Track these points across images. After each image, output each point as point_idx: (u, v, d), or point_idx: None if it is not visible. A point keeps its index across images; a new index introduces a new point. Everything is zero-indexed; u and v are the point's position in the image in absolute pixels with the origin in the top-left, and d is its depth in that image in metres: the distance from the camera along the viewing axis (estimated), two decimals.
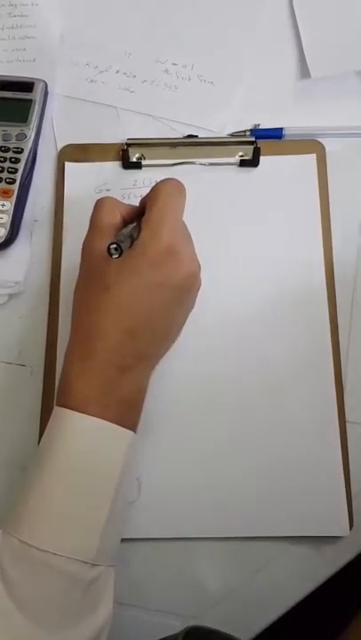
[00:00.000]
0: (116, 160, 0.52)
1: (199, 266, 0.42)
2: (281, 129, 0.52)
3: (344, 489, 0.44)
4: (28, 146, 0.51)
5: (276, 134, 0.52)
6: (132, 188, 0.51)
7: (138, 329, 0.39)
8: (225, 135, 0.53)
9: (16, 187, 0.50)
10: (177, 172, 0.50)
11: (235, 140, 0.52)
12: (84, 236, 0.42)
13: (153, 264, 0.39)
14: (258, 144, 0.51)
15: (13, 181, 0.50)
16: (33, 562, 0.35)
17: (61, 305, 0.48)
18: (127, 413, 0.39)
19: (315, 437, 0.45)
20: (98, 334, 0.39)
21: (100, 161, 0.52)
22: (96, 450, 0.37)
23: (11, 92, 0.52)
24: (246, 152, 0.51)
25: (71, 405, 0.37)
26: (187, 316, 0.44)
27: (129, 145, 0.51)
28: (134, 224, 0.41)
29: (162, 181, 0.42)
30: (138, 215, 0.42)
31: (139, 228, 0.40)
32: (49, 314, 0.48)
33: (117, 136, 0.53)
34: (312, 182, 0.50)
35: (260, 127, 0.53)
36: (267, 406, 0.45)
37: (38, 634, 0.34)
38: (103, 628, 0.36)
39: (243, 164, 0.51)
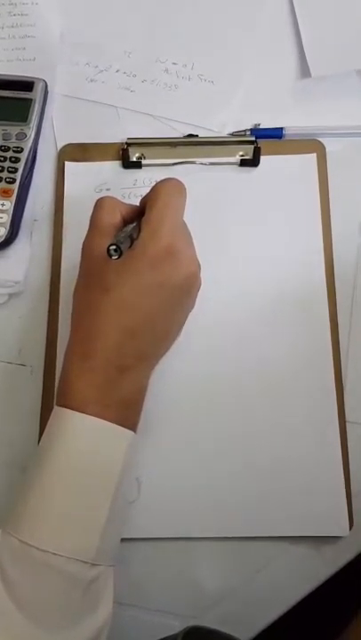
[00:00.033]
0: (116, 159, 0.52)
1: (199, 266, 0.42)
2: (281, 128, 0.52)
3: (344, 489, 0.44)
4: (27, 145, 0.51)
5: (276, 134, 0.52)
6: (132, 187, 0.51)
7: (138, 329, 0.39)
8: (225, 135, 0.53)
9: (16, 186, 0.50)
10: (177, 172, 0.50)
11: (235, 140, 0.52)
12: (84, 235, 0.42)
13: (153, 264, 0.39)
14: (258, 144, 0.51)
15: (13, 181, 0.50)
16: (33, 562, 0.35)
17: (61, 304, 0.48)
18: (127, 413, 0.39)
19: (315, 437, 0.45)
20: (98, 334, 0.39)
21: (100, 160, 0.52)
22: (96, 450, 0.37)
23: (11, 92, 0.52)
24: (247, 152, 0.51)
25: (71, 405, 0.37)
26: (187, 316, 0.44)
27: (129, 144, 0.51)
28: (134, 224, 0.40)
29: (162, 181, 0.42)
30: (138, 215, 0.42)
31: (139, 228, 0.40)
32: (49, 313, 0.48)
33: (117, 135, 0.52)
34: (312, 182, 0.50)
35: (261, 127, 0.53)
36: (267, 406, 0.45)
37: (38, 634, 0.34)
38: (103, 627, 0.36)
39: (243, 163, 0.51)
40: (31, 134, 0.51)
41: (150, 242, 0.39)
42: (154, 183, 0.42)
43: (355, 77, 0.54)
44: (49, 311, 0.48)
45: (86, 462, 0.37)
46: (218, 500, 0.44)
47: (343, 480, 0.44)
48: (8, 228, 0.49)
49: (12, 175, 0.50)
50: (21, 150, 0.50)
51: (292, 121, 0.52)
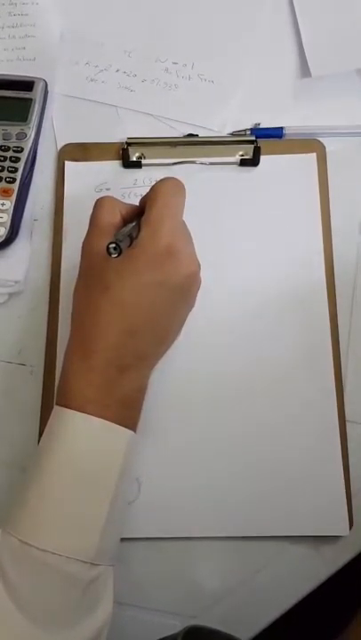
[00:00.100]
0: (117, 159, 0.52)
1: (199, 265, 0.42)
2: (281, 128, 0.52)
3: (344, 489, 0.44)
4: (28, 145, 0.51)
5: (276, 133, 0.52)
6: (132, 187, 0.51)
7: (138, 328, 0.39)
8: (225, 134, 0.53)
9: (16, 186, 0.50)
10: (177, 172, 0.50)
11: (235, 140, 0.52)
12: (84, 235, 0.42)
13: (153, 263, 0.39)
14: (258, 143, 0.51)
15: (13, 180, 0.50)
16: (33, 561, 0.35)
17: (61, 304, 0.48)
18: (127, 413, 0.39)
19: (315, 437, 0.45)
20: (98, 334, 0.39)
21: (100, 160, 0.52)
22: (96, 449, 0.37)
23: (11, 91, 0.52)
24: (247, 151, 0.51)
25: (71, 405, 0.37)
26: (187, 316, 0.44)
27: (129, 144, 0.51)
28: (134, 223, 0.40)
29: (161, 181, 0.42)
30: (138, 214, 0.42)
31: (138, 228, 0.40)
32: (49, 313, 0.48)
33: (117, 135, 0.52)
34: (312, 181, 0.50)
35: (261, 126, 0.53)
36: (267, 406, 0.45)
37: (38, 634, 0.34)
38: (103, 627, 0.36)
39: (243, 163, 0.51)
40: (31, 134, 0.51)
41: (150, 241, 0.39)
42: (154, 183, 0.42)
43: (355, 77, 0.54)
44: (49, 311, 0.48)
45: (86, 462, 0.37)
46: (218, 499, 0.44)
47: (343, 480, 0.44)
48: (8, 227, 0.49)
49: (12, 175, 0.50)
50: (21, 150, 0.50)
51: (292, 120, 0.52)
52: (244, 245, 0.49)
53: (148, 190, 0.42)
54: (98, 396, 0.38)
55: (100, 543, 0.36)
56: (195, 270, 0.42)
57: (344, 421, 0.45)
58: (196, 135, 0.52)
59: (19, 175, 0.50)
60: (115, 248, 0.36)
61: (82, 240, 0.42)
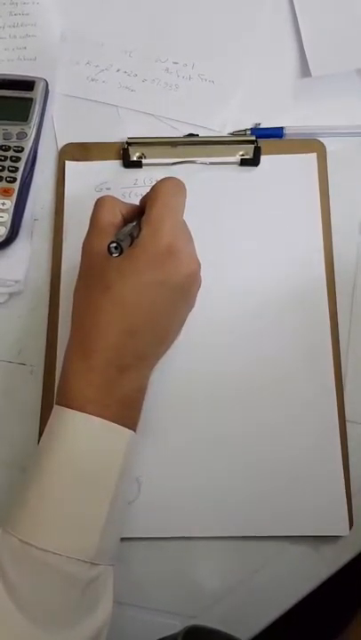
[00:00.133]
0: (117, 159, 0.52)
1: (199, 265, 0.42)
2: (281, 128, 0.52)
3: (344, 488, 0.44)
4: (28, 145, 0.51)
5: (276, 133, 0.52)
6: (132, 186, 0.51)
7: (138, 328, 0.39)
8: (225, 134, 0.53)
9: (16, 185, 0.50)
10: (177, 171, 0.50)
11: (235, 139, 0.52)
12: (85, 234, 0.42)
13: (153, 263, 0.39)
14: (258, 143, 0.51)
15: (14, 180, 0.50)
16: (33, 561, 0.35)
17: (61, 304, 0.48)
18: (127, 413, 0.39)
19: (315, 437, 0.45)
20: (98, 333, 0.39)
21: (101, 160, 0.52)
22: (96, 449, 0.37)
23: (11, 91, 0.52)
24: (247, 151, 0.51)
25: (71, 405, 0.37)
26: (187, 316, 0.44)
27: (129, 144, 0.51)
28: (134, 223, 0.40)
29: (162, 180, 0.42)
30: (138, 214, 0.42)
31: (139, 227, 0.40)
32: (49, 313, 0.48)
33: (118, 135, 0.52)
34: (313, 181, 0.50)
35: (261, 126, 0.53)
36: (267, 406, 0.45)
37: (38, 633, 0.34)
38: (103, 627, 0.36)
39: (243, 163, 0.51)
40: (32, 134, 0.51)
41: (151, 241, 0.39)
42: (154, 182, 0.42)
43: (355, 77, 0.54)
44: (49, 310, 0.48)
45: (86, 461, 0.37)
46: (218, 499, 0.44)
47: (343, 480, 0.44)
48: (8, 227, 0.49)
49: (12, 174, 0.50)
50: (22, 150, 0.50)
51: (292, 120, 0.52)
52: (245, 245, 0.49)
53: (148, 190, 0.42)
54: (98, 395, 0.38)
55: (99, 543, 0.36)
56: (195, 270, 0.42)
57: (344, 421, 0.45)
58: (197, 135, 0.52)
59: (19, 175, 0.50)
60: (116, 247, 0.36)
61: (82, 240, 0.42)
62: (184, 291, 0.42)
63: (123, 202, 0.43)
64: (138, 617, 0.43)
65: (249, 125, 0.53)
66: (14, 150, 0.50)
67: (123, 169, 0.52)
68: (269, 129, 0.52)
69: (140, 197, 0.43)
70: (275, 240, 0.49)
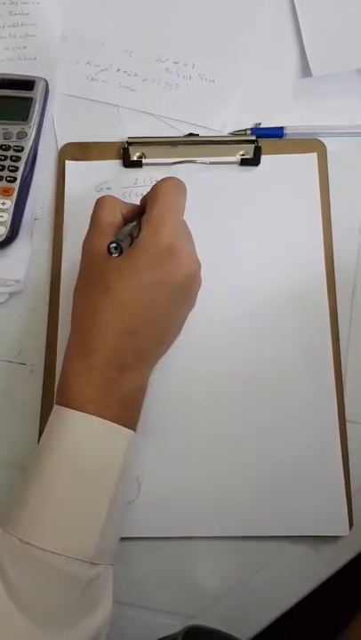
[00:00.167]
0: (117, 159, 0.52)
1: (200, 265, 0.42)
2: (282, 128, 0.52)
3: (344, 489, 0.44)
4: (28, 144, 0.51)
5: (276, 133, 0.52)
6: (132, 186, 0.51)
7: (138, 328, 0.39)
8: (226, 134, 0.53)
9: (16, 185, 0.50)
10: (178, 171, 0.50)
11: (235, 139, 0.51)
12: (85, 234, 0.42)
13: (153, 263, 0.39)
14: (259, 143, 0.51)
15: (14, 180, 0.50)
16: (32, 561, 0.35)
17: (62, 303, 0.48)
18: (127, 412, 0.39)
19: (315, 437, 0.45)
20: (98, 333, 0.38)
21: (101, 159, 0.52)
22: (96, 449, 0.37)
23: (11, 91, 0.52)
24: (247, 151, 0.51)
25: (71, 405, 0.37)
26: (187, 315, 0.44)
27: (130, 143, 0.51)
28: (134, 223, 0.40)
29: (162, 180, 0.42)
30: (138, 214, 0.42)
31: (139, 227, 0.40)
32: (49, 312, 0.48)
33: (118, 134, 0.52)
34: (313, 181, 0.50)
35: (261, 126, 0.53)
36: (267, 406, 0.45)
37: (38, 633, 0.34)
38: (103, 627, 0.36)
39: (243, 162, 0.51)
40: (32, 133, 0.51)
41: (151, 241, 0.39)
42: (154, 182, 0.42)
43: (355, 77, 0.54)
44: (49, 310, 0.48)
45: (86, 461, 0.37)
46: (218, 499, 0.44)
47: (343, 480, 0.44)
48: (8, 226, 0.49)
49: (12, 174, 0.50)
50: (22, 149, 0.50)
51: (292, 120, 0.52)
52: (245, 245, 0.49)
53: (148, 190, 0.42)
54: (98, 395, 0.38)
55: (99, 543, 0.36)
56: (195, 270, 0.42)
57: (344, 421, 0.45)
58: (197, 135, 0.52)
59: (19, 174, 0.50)
60: (115, 247, 0.36)
61: (82, 239, 0.42)
62: (184, 291, 0.41)
63: (123, 201, 0.43)
64: (138, 617, 0.43)
65: (249, 125, 0.53)
66: (14, 150, 0.50)
67: (123, 169, 0.52)
68: (270, 129, 0.52)
69: (141, 197, 0.43)
70: (275, 240, 0.49)
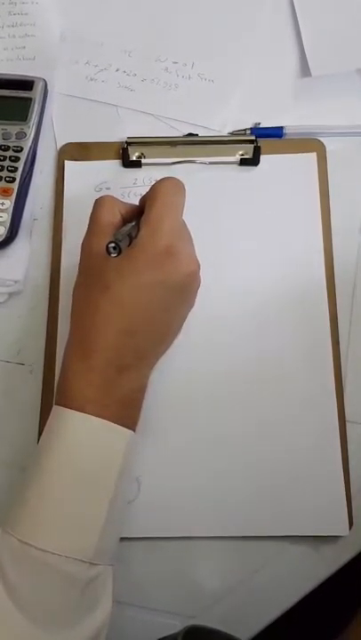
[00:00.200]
0: (116, 159, 0.52)
1: (199, 265, 0.42)
2: (281, 128, 0.52)
3: (344, 488, 0.44)
4: (27, 144, 0.51)
5: (276, 133, 0.52)
6: (132, 186, 0.51)
7: (137, 328, 0.39)
8: (225, 134, 0.53)
9: (16, 185, 0.50)
10: (177, 171, 0.50)
11: (235, 139, 0.51)
12: (84, 234, 0.42)
13: (152, 263, 0.39)
14: (258, 143, 0.50)
15: (13, 180, 0.50)
16: (32, 561, 0.35)
17: (61, 303, 0.48)
18: (126, 413, 0.39)
19: (315, 437, 0.45)
20: (97, 333, 0.38)
21: (100, 159, 0.52)
22: (95, 449, 0.37)
23: (10, 91, 0.52)
24: (246, 151, 0.51)
25: (70, 405, 0.37)
26: (186, 315, 0.44)
27: (129, 143, 0.51)
28: (133, 223, 0.40)
29: (161, 180, 0.42)
30: (137, 214, 0.42)
31: (138, 227, 0.40)
32: (48, 312, 0.48)
33: (117, 134, 0.52)
34: (312, 181, 0.50)
35: (261, 126, 0.52)
36: (266, 406, 0.45)
37: (37, 633, 0.34)
38: (102, 627, 0.36)
39: (243, 162, 0.51)
40: (31, 133, 0.51)
41: (150, 241, 0.39)
42: (153, 182, 0.42)
43: (355, 76, 0.54)
44: (48, 310, 0.48)
45: (85, 462, 0.37)
46: (218, 499, 0.44)
47: (343, 480, 0.44)
48: (8, 227, 0.49)
49: (11, 174, 0.50)
50: (21, 149, 0.50)
51: (292, 120, 0.52)
52: (244, 245, 0.49)
53: (147, 190, 0.42)
54: (97, 395, 0.38)
55: (99, 543, 0.36)
56: (194, 270, 0.42)
57: (344, 421, 0.45)
58: (196, 135, 0.52)
59: (18, 174, 0.50)
60: (114, 247, 0.36)
61: (81, 239, 0.42)
62: (183, 291, 0.41)
63: (122, 201, 0.43)
64: (138, 617, 0.43)
65: (249, 125, 0.53)
66: (13, 150, 0.50)
67: (122, 169, 0.52)
68: (269, 128, 0.52)
69: (140, 197, 0.43)
70: (274, 240, 0.49)
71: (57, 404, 0.38)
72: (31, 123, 0.51)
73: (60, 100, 0.54)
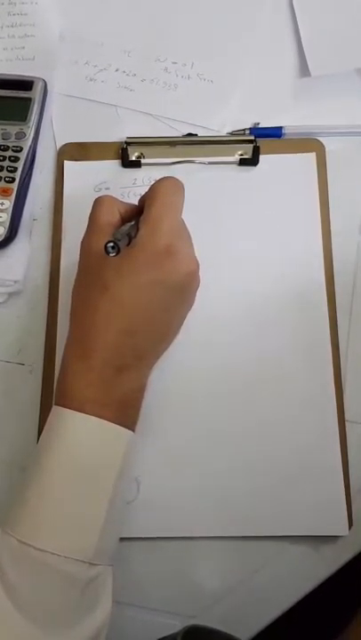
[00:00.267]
0: (116, 159, 0.52)
1: (198, 265, 0.42)
2: (281, 127, 0.52)
3: (343, 488, 0.44)
4: (27, 144, 0.51)
5: (275, 133, 0.52)
6: (131, 186, 0.51)
7: (136, 328, 0.39)
8: (224, 134, 0.53)
9: (15, 185, 0.50)
10: (176, 171, 0.50)
11: (234, 139, 0.51)
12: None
13: (152, 263, 0.39)
14: (257, 143, 0.50)
15: (12, 180, 0.50)
16: (31, 561, 0.35)
17: (60, 303, 0.48)
18: (126, 412, 0.39)
19: (314, 437, 0.45)
20: (96, 333, 0.38)
21: (100, 159, 0.52)
22: (94, 449, 0.37)
23: (10, 91, 0.52)
24: (246, 151, 0.51)
25: (69, 405, 0.37)
26: (186, 315, 0.44)
27: (128, 143, 0.51)
28: (132, 223, 0.40)
29: (160, 180, 0.42)
30: (137, 213, 0.42)
31: (137, 227, 0.40)
32: (48, 312, 0.48)
33: (117, 134, 0.52)
34: (312, 181, 0.50)
35: (260, 126, 0.52)
36: (266, 406, 0.45)
37: (37, 634, 0.34)
38: (102, 627, 0.36)
39: (242, 162, 0.51)
40: (30, 133, 0.51)
41: (149, 240, 0.39)
42: (153, 182, 0.42)
43: (354, 77, 0.54)
44: (48, 310, 0.48)
45: (85, 462, 0.37)
46: (217, 499, 0.44)
47: (342, 479, 0.44)
48: (7, 227, 0.49)
49: (11, 174, 0.50)
50: (20, 149, 0.50)
51: (291, 120, 0.52)
52: (244, 245, 0.49)
53: (147, 190, 0.42)
54: (97, 395, 0.38)
55: (98, 543, 0.36)
56: (194, 269, 0.42)
57: (343, 421, 0.45)
58: (196, 135, 0.52)
59: (18, 175, 0.50)
60: (113, 247, 0.36)
61: (81, 239, 0.42)
62: (183, 290, 0.41)
63: (121, 201, 0.43)
64: (138, 617, 0.43)
65: (248, 125, 0.53)
66: (13, 150, 0.50)
67: (122, 169, 0.52)
68: (268, 128, 0.52)
69: (139, 197, 0.43)
70: (274, 240, 0.49)
71: (56, 403, 0.38)
72: (31, 123, 0.51)
73: (59, 100, 0.54)
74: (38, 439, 0.39)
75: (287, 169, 0.51)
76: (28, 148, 0.51)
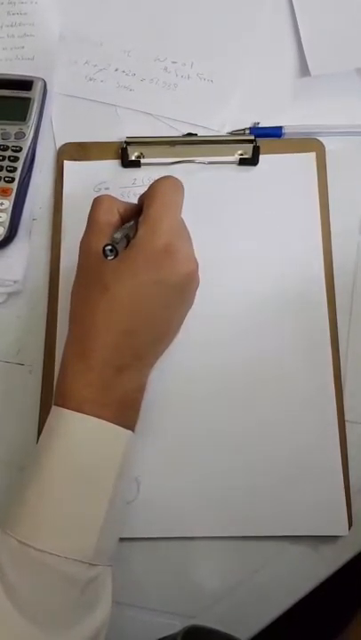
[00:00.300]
0: (116, 158, 0.52)
1: (197, 264, 0.42)
2: (280, 127, 0.52)
3: (343, 488, 0.43)
4: (26, 144, 0.51)
5: (275, 133, 0.52)
6: (131, 186, 0.51)
7: (136, 328, 0.39)
8: (224, 134, 0.53)
9: (15, 185, 0.49)
10: (176, 171, 0.50)
11: (234, 139, 0.51)
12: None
13: (151, 263, 0.39)
14: (257, 142, 0.50)
15: (12, 180, 0.50)
16: (31, 562, 0.35)
17: (60, 303, 0.48)
18: (125, 413, 0.39)
19: (314, 437, 0.45)
20: (95, 333, 0.38)
21: (99, 159, 0.52)
22: (94, 449, 0.37)
23: (9, 91, 0.52)
24: (246, 150, 0.51)
25: (69, 405, 0.37)
26: (185, 315, 0.44)
27: (128, 143, 0.51)
28: (131, 223, 0.40)
29: (160, 179, 0.42)
30: (136, 213, 0.42)
31: (136, 227, 0.40)
32: (48, 312, 0.48)
33: (116, 134, 0.52)
34: (312, 181, 0.50)
35: (260, 125, 0.52)
36: (266, 406, 0.45)
37: (37, 634, 0.34)
38: (102, 627, 0.36)
39: (242, 162, 0.51)
40: (30, 133, 0.51)
41: (148, 240, 0.39)
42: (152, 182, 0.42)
43: (354, 76, 0.54)
44: (48, 310, 0.48)
45: (84, 462, 0.37)
46: (217, 499, 0.44)
47: (342, 480, 0.44)
48: (7, 227, 0.49)
49: (10, 174, 0.50)
50: (20, 149, 0.50)
51: (291, 120, 0.52)
52: (243, 245, 0.49)
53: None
54: (96, 396, 0.38)
55: (98, 543, 0.36)
56: (193, 269, 0.42)
57: (343, 421, 0.45)
58: (196, 134, 0.52)
59: (17, 174, 0.50)
60: (111, 250, 0.36)
61: (81, 239, 0.42)
62: (182, 290, 0.41)
63: (120, 201, 0.43)
64: (137, 617, 0.43)
65: (248, 125, 0.53)
66: (12, 150, 0.50)
67: (121, 168, 0.52)
68: (268, 128, 0.52)
69: (139, 197, 0.43)
70: (274, 239, 0.49)
71: (56, 404, 0.38)
72: (30, 123, 0.51)
73: (59, 100, 0.54)
74: (38, 439, 0.39)
75: (287, 169, 0.51)
76: (27, 148, 0.50)
